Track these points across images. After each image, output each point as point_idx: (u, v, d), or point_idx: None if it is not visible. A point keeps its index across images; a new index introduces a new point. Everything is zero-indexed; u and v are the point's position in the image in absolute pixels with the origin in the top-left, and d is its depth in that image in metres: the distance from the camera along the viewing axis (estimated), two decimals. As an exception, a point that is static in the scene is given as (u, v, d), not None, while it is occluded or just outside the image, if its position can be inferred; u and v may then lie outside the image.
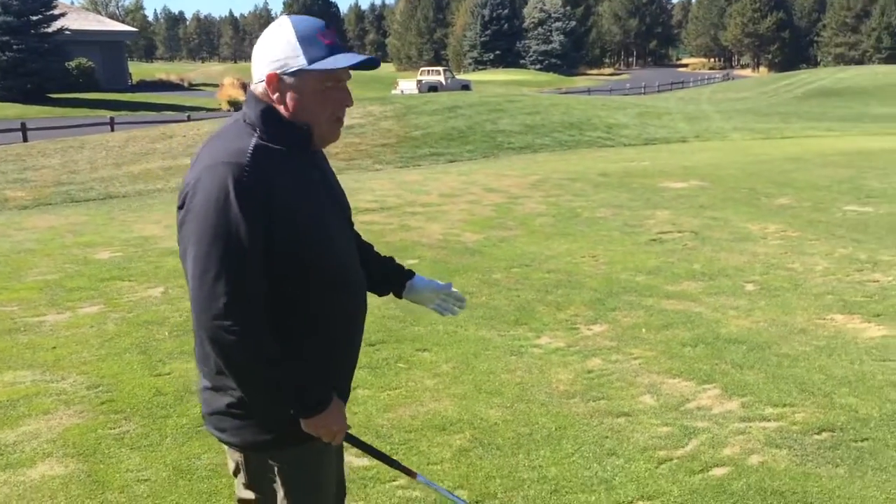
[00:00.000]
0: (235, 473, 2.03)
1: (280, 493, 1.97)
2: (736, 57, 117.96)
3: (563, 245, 7.44)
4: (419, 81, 43.49)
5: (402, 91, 41.96)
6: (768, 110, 27.28)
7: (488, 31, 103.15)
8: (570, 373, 4.47)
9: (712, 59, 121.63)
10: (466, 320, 5.33)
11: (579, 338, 5.04)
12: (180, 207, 1.80)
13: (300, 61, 1.78)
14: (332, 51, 1.80)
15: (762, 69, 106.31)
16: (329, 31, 1.83)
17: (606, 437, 3.71)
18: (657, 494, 3.22)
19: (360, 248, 2.18)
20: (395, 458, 3.52)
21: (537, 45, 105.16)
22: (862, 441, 3.63)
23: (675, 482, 3.31)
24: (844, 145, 15.99)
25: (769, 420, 3.86)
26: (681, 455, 3.54)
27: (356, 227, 2.20)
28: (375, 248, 2.29)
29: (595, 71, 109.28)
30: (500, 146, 15.35)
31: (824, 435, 3.69)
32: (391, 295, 2.29)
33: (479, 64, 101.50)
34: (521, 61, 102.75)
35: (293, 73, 1.79)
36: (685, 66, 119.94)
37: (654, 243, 7.49)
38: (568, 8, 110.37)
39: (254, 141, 1.79)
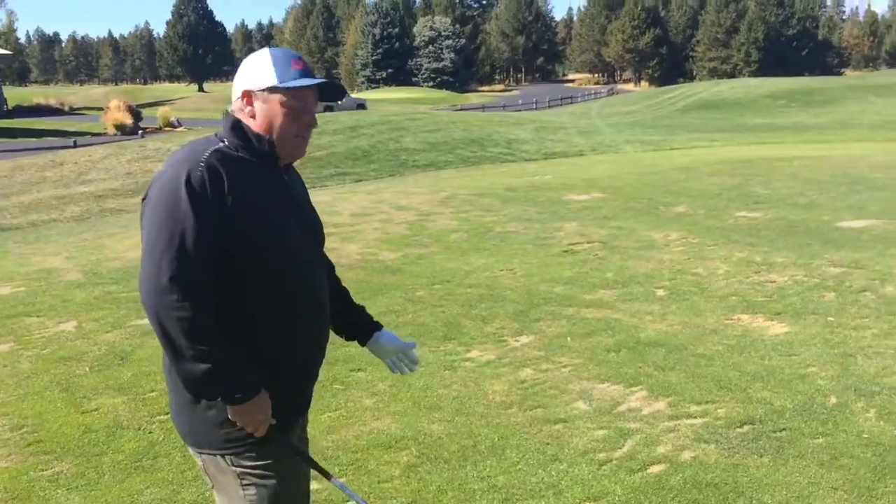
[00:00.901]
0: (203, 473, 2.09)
1: (239, 493, 2.00)
2: (619, 72, 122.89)
3: (480, 260, 7.61)
4: (314, 101, 43.17)
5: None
6: (654, 123, 28.60)
7: (380, 50, 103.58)
8: (504, 384, 4.60)
9: (597, 75, 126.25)
10: (396, 338, 5.38)
11: (508, 349, 5.18)
12: (143, 200, 1.95)
13: (272, 80, 1.97)
14: (303, 75, 1.99)
15: (643, 83, 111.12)
16: (301, 61, 2.02)
17: (547, 443, 3.85)
18: (602, 495, 3.38)
19: (338, 291, 2.35)
20: (347, 476, 3.57)
21: (429, 62, 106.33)
22: (780, 431, 3.90)
23: (617, 482, 3.48)
24: (727, 155, 16.97)
25: (695, 417, 4.10)
26: (619, 456, 3.71)
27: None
28: (350, 295, 2.45)
29: (486, 87, 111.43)
30: (404, 164, 15.49)
31: (746, 428, 3.95)
32: (354, 341, 2.48)
33: (372, 82, 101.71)
34: (414, 79, 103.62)
35: (264, 90, 1.97)
36: (571, 81, 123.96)
37: (566, 255, 7.76)
38: (457, 26, 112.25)
39: (217, 146, 1.96)
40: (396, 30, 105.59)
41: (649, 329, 5.47)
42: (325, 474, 2.21)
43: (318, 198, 12.09)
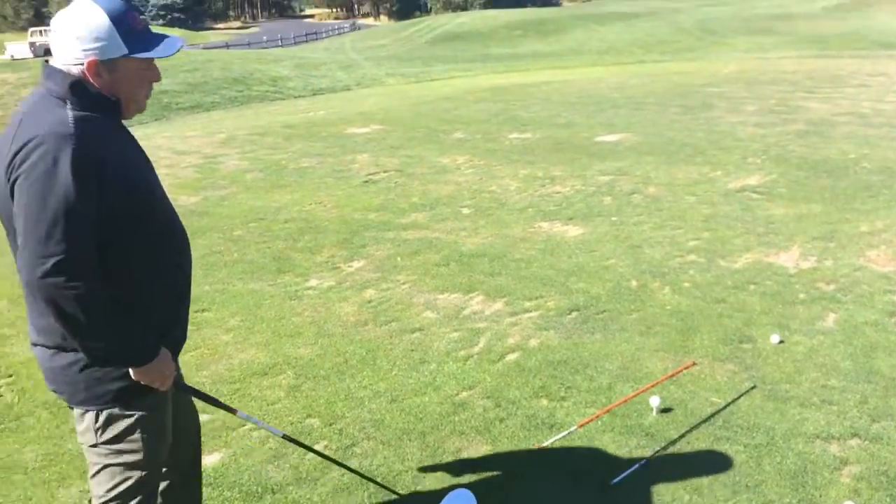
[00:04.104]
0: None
1: (133, 439, 2.10)
2: (357, 6, 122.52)
3: (286, 196, 7.64)
4: (32, 44, 38.73)
5: (11, 56, 37.10)
6: (409, 56, 29.26)
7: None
8: (353, 305, 4.84)
9: (335, 9, 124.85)
10: (230, 277, 5.39)
11: (345, 275, 5.40)
12: (9, 180, 1.83)
13: (121, 50, 1.90)
14: (145, 35, 1.95)
15: (383, 17, 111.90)
16: (136, 14, 1.95)
17: (412, 350, 4.18)
18: (476, 384, 3.79)
19: None
20: (232, 405, 3.65)
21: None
22: (602, 313, 4.56)
23: (484, 371, 3.91)
24: (483, 83, 17.99)
25: (530, 311, 4.64)
26: (478, 351, 4.15)
27: None
28: None
29: (222, 25, 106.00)
30: (168, 107, 14.67)
31: (574, 314, 4.56)
32: None
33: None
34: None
35: (115, 59, 1.91)
36: (311, 16, 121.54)
37: (368, 184, 8.03)
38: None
39: (71, 113, 1.86)
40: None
41: (467, 243, 5.95)
42: (231, 409, 2.41)
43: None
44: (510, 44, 33.77)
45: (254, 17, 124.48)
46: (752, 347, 4.00)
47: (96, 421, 2.05)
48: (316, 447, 3.28)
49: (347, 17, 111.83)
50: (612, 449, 3.18)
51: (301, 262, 5.67)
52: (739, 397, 3.52)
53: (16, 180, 1.80)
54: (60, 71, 1.89)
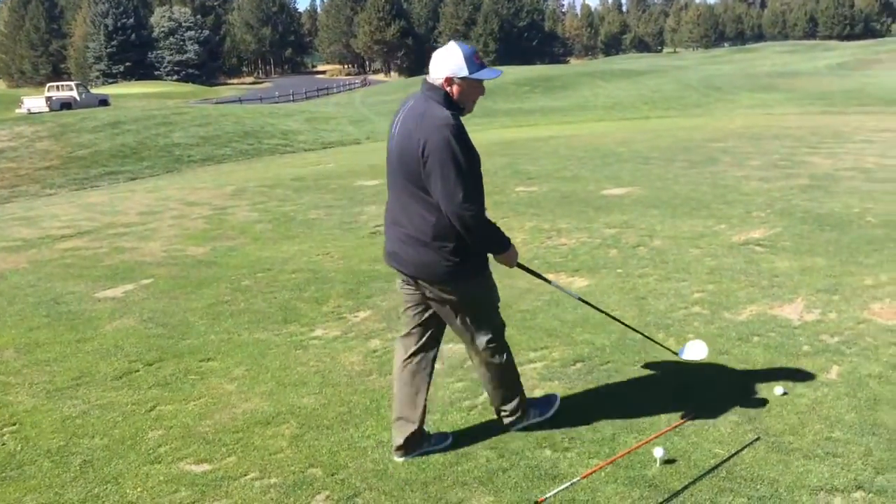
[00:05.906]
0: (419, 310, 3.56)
1: (483, 291, 3.48)
2: (368, 63, 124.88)
3: (293, 247, 7.72)
4: (49, 98, 39.63)
5: (28, 110, 37.94)
6: (416, 111, 29.68)
7: (114, 42, 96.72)
8: (358, 355, 4.86)
9: (347, 66, 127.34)
10: (236, 326, 5.43)
11: (350, 325, 5.43)
12: (422, 154, 3.07)
13: (465, 72, 3.18)
14: (481, 67, 3.24)
15: (393, 73, 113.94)
16: (478, 55, 3.24)
17: (416, 400, 4.17)
18: (480, 436, 3.78)
19: None
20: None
21: (171, 55, 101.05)
22: (606, 364, 4.56)
23: (487, 422, 3.90)
24: (491, 137, 18.22)
25: (535, 361, 4.65)
26: (482, 401, 4.14)
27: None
28: None
29: (235, 80, 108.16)
30: (179, 160, 14.90)
31: (579, 365, 4.56)
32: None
33: (109, 77, 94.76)
34: (157, 73, 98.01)
35: (461, 78, 3.19)
36: (322, 72, 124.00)
37: (375, 236, 8.10)
38: (198, 17, 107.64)
39: (449, 112, 3.15)
40: (131, 20, 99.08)
41: (473, 294, 5.96)
42: (546, 280, 3.86)
43: (93, 199, 11.41)
44: (518, 99, 34.27)
45: (266, 73, 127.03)
46: (755, 399, 3.99)
47: (458, 288, 3.31)
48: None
49: (359, 74, 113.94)
50: (615, 501, 3.15)
51: (307, 312, 5.71)
52: (743, 449, 3.50)
53: (429, 156, 3.05)
54: (436, 86, 3.19)
